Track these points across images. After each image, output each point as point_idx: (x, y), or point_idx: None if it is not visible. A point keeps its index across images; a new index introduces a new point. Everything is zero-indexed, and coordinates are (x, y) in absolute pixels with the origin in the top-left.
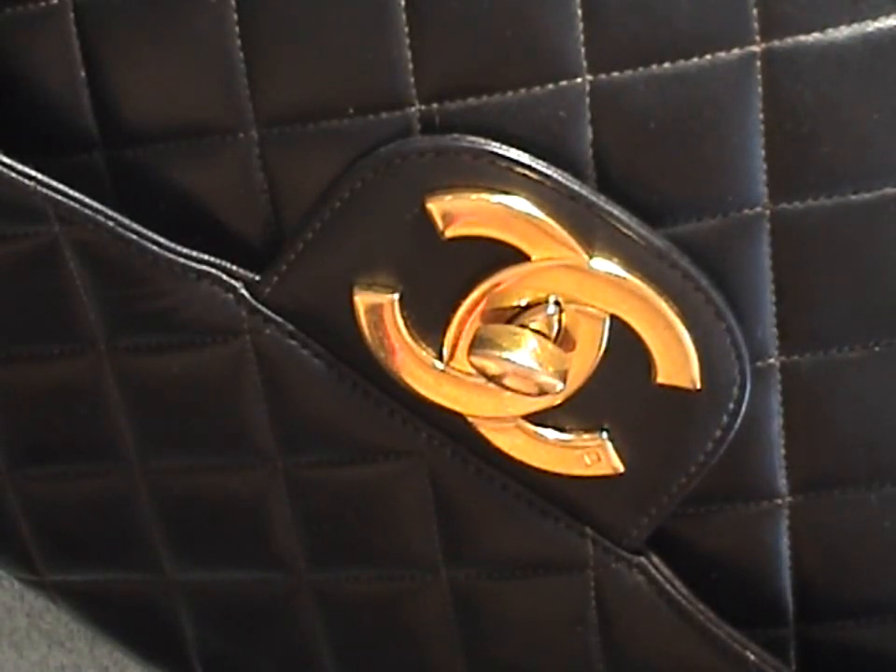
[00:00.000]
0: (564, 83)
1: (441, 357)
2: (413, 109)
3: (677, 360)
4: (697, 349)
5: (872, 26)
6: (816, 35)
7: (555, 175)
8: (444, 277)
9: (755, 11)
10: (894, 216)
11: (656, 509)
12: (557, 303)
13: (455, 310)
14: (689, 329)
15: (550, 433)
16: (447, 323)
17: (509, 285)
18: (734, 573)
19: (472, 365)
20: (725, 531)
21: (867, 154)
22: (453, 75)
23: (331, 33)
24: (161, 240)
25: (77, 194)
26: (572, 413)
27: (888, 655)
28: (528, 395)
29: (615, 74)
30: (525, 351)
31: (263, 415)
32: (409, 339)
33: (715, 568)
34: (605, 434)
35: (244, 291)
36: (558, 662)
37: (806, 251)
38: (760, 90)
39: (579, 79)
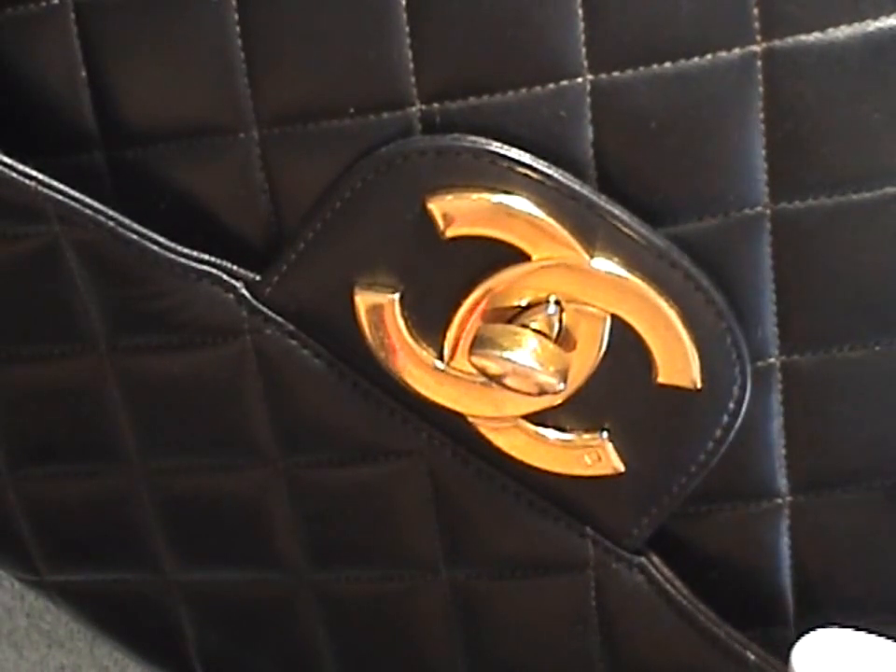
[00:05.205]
0: (564, 83)
1: (441, 357)
2: (413, 109)
3: (677, 360)
4: (698, 349)
5: (872, 26)
6: (816, 35)
7: (556, 175)
8: (445, 277)
9: (756, 11)
10: (894, 216)
11: (657, 509)
12: (558, 303)
13: (455, 310)
14: (689, 329)
15: (550, 433)
16: (448, 323)
17: (509, 284)
18: (734, 573)
19: (473, 365)
20: (725, 531)
21: (867, 154)
22: (453, 75)
23: (332, 33)
24: (162, 240)
25: (77, 194)
26: (572, 413)
27: None
28: (529, 395)
29: (616, 73)
30: (526, 351)
31: (263, 415)
32: (409, 339)
33: (715, 568)
34: (605, 434)
35: (244, 291)
36: (558, 662)
37: (807, 251)
38: (760, 89)
39: (579, 79)
